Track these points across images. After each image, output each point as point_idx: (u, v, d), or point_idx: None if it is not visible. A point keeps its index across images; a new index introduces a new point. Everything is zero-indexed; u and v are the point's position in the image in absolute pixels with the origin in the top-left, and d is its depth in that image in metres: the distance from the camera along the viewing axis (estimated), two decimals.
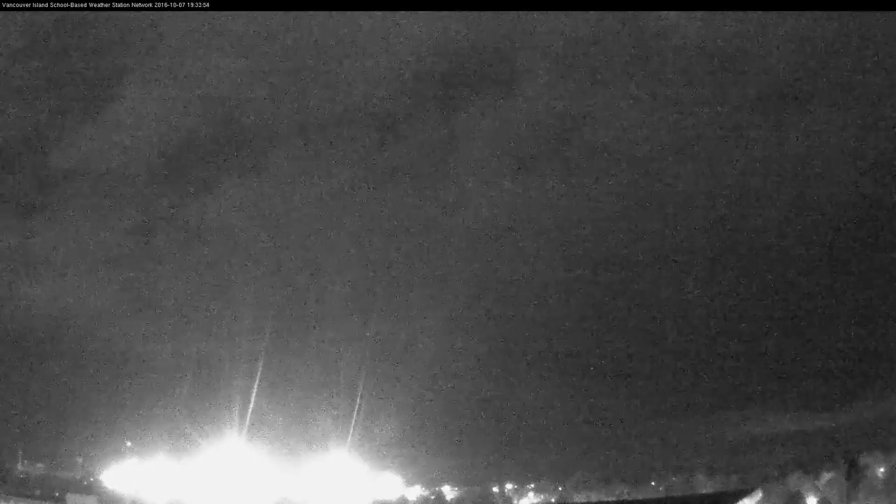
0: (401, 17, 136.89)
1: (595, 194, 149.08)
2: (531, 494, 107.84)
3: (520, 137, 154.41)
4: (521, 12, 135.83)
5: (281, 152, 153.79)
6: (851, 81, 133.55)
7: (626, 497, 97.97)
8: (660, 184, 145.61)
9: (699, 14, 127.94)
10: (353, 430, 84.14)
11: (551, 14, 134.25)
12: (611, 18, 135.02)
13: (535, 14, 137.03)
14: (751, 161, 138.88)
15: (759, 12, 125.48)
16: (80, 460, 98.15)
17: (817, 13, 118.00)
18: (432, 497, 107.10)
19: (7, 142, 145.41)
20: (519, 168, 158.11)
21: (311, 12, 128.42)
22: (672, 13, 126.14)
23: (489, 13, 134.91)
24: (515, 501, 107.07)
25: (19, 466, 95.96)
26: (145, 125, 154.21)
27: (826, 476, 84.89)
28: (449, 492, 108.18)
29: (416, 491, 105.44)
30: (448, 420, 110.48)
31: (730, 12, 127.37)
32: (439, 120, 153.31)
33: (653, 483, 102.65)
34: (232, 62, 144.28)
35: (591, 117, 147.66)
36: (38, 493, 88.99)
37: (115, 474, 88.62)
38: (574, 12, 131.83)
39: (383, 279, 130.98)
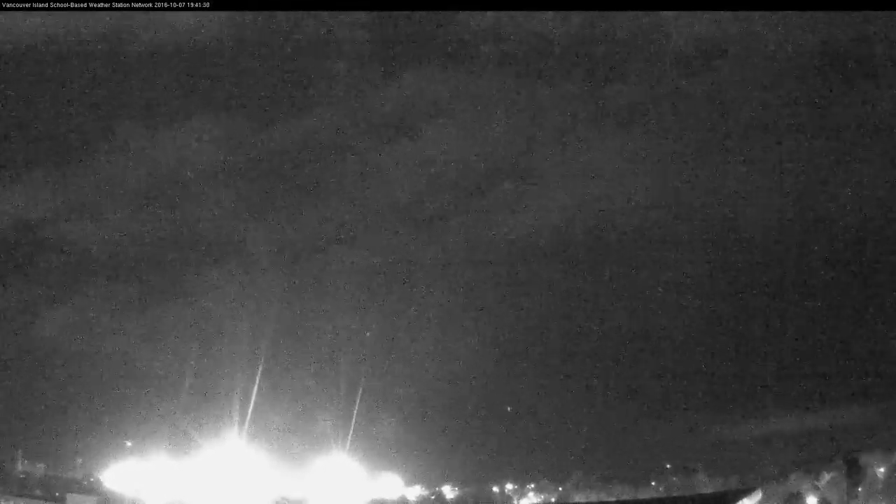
0: None
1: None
2: (531, 494, 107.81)
3: None
4: None
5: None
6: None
7: (626, 497, 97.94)
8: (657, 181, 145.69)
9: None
10: (353, 429, 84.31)
11: None
12: None
13: None
14: (749, 160, 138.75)
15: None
16: (79, 460, 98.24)
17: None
18: (432, 497, 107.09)
19: None
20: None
21: None
22: None
23: None
24: (515, 501, 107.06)
25: (19, 466, 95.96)
26: None
27: (826, 476, 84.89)
28: (449, 492, 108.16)
29: (416, 491, 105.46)
30: (448, 420, 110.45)
31: None
32: None
33: (653, 483, 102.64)
34: None
35: None
36: (38, 493, 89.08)
37: (115, 474, 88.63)
38: None
39: (383, 279, 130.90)
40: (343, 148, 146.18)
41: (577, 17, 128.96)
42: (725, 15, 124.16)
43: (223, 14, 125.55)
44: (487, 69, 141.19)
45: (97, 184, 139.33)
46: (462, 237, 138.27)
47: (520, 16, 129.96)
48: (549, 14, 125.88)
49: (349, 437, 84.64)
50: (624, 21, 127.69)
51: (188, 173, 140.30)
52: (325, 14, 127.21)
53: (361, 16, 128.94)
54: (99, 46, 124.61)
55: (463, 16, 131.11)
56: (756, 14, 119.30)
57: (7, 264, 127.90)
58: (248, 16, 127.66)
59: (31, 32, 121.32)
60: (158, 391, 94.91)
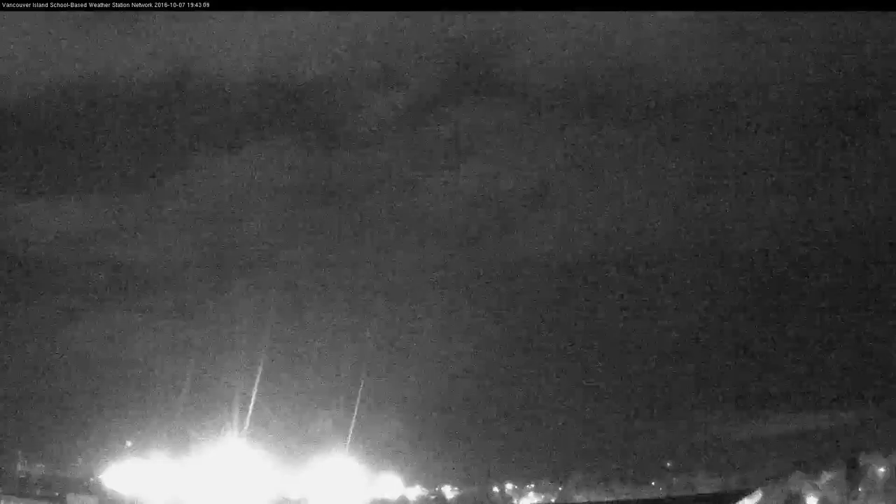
0: None
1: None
2: (531, 494, 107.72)
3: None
4: None
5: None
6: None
7: (625, 497, 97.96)
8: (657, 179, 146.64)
9: None
10: (353, 429, 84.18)
11: None
12: None
13: None
14: (749, 158, 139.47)
15: None
16: (80, 460, 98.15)
17: None
18: (432, 497, 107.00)
19: None
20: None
21: None
22: None
23: None
24: (515, 501, 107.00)
25: (19, 466, 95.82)
26: None
27: (826, 476, 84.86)
28: (449, 492, 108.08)
29: (416, 491, 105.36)
30: (448, 420, 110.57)
31: None
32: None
33: (653, 483, 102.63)
34: None
35: None
36: (38, 493, 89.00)
37: (115, 474, 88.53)
38: None
39: (383, 280, 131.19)
40: (391, 175, 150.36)
41: (612, 53, 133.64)
42: (746, 60, 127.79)
43: (280, 49, 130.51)
44: (531, 103, 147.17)
45: (152, 206, 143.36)
46: (486, 255, 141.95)
47: (562, 51, 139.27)
48: (590, 47, 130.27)
49: (349, 437, 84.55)
50: (649, 60, 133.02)
51: (239, 197, 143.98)
52: (384, 46, 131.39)
53: (423, 51, 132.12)
54: (164, 81, 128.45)
55: (513, 51, 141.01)
56: (771, 56, 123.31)
57: (47, 276, 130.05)
58: (305, 50, 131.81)
59: (101, 67, 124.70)
60: (159, 391, 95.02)
